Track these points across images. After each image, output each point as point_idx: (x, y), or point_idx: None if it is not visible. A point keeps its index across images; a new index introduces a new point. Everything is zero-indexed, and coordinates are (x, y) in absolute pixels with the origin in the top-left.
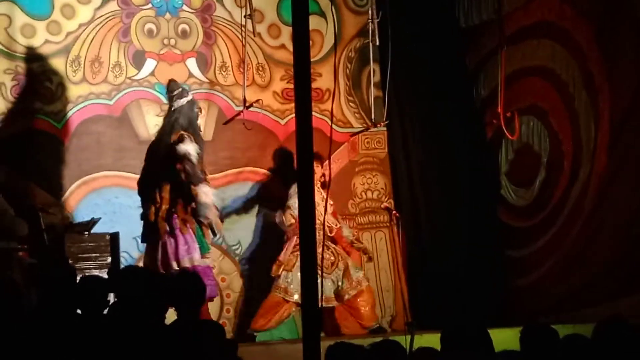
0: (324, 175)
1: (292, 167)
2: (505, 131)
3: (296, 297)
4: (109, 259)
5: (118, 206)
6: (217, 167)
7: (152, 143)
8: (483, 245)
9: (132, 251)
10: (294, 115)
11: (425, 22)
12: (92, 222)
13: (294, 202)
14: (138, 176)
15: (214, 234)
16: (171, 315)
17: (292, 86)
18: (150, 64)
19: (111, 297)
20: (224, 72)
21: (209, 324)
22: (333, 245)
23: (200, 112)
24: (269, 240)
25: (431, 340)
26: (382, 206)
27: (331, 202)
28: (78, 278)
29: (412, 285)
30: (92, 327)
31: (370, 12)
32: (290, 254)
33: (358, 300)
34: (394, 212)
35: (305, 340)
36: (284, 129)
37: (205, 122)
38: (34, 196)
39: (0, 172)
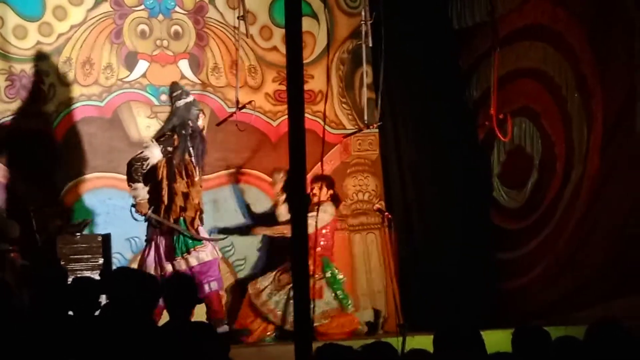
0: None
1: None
2: (498, 133)
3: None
4: (101, 261)
5: (111, 207)
6: (209, 168)
7: None
8: (475, 247)
9: (125, 252)
10: (286, 116)
11: (418, 24)
12: (84, 224)
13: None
14: None
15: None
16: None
17: (284, 88)
18: (142, 66)
19: (103, 299)
20: (217, 73)
21: (201, 325)
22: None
23: (202, 113)
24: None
25: (423, 342)
26: (374, 208)
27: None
28: (70, 279)
29: (404, 287)
30: (84, 329)
31: (363, 13)
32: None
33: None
34: (385, 213)
35: (297, 341)
36: (276, 130)
37: None
38: (27, 197)
39: None
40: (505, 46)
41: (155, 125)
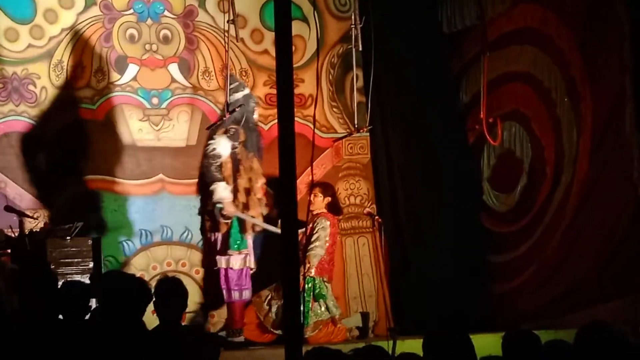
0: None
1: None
2: (488, 137)
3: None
4: (91, 264)
5: (104, 210)
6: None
7: None
8: (465, 251)
9: (118, 255)
10: (277, 120)
11: (408, 28)
12: (75, 227)
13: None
14: (123, 180)
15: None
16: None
17: (275, 91)
18: (132, 69)
19: (93, 303)
20: (207, 77)
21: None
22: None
23: (257, 105)
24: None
25: (413, 345)
26: (365, 212)
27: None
28: (60, 283)
29: (395, 291)
30: (74, 332)
31: (353, 17)
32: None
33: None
34: (376, 217)
35: (287, 345)
36: (267, 134)
37: (189, 127)
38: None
39: None
40: (495, 50)
41: (147, 128)
